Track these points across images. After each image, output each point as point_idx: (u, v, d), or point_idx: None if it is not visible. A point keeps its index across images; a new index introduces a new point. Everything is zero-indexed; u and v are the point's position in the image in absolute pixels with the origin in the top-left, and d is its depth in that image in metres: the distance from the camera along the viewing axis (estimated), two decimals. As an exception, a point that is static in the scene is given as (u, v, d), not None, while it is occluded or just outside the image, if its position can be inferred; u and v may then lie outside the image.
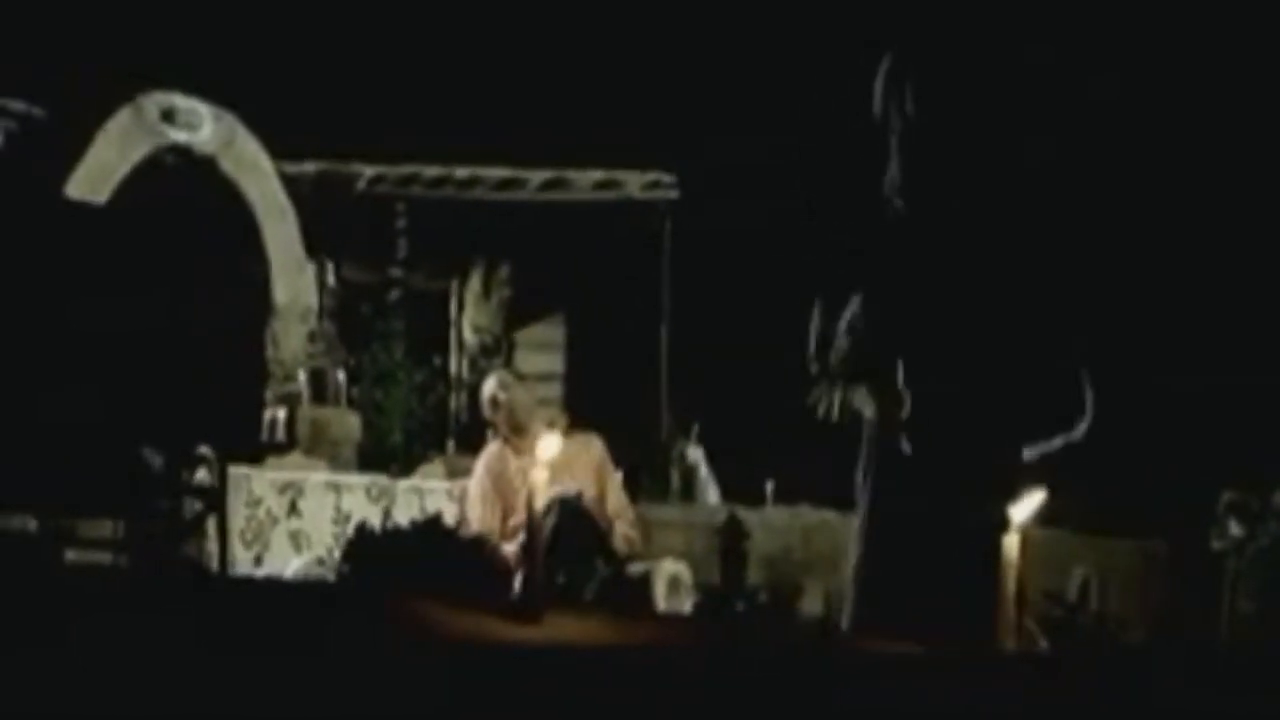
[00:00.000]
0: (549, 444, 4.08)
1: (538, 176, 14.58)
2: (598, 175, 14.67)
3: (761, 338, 14.61)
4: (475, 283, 15.30)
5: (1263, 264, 12.90)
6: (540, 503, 4.00)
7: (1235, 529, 8.21)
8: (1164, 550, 9.84)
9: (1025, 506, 4.72)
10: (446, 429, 14.63)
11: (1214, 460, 9.35)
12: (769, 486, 12.23)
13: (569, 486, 7.71)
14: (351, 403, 12.78)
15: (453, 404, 15.04)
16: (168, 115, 12.70)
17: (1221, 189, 13.38)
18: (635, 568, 7.73)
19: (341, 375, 12.89)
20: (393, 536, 5.92)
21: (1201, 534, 8.56)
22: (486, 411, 8.17)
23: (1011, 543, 4.62)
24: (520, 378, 8.95)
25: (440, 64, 14.32)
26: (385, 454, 12.27)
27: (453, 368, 15.26)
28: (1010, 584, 4.46)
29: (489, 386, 8.25)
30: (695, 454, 13.56)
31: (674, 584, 7.72)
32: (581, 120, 14.18)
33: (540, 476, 3.90)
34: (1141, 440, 12.28)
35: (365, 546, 5.80)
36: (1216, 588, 8.31)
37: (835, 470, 11.77)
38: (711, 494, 13.29)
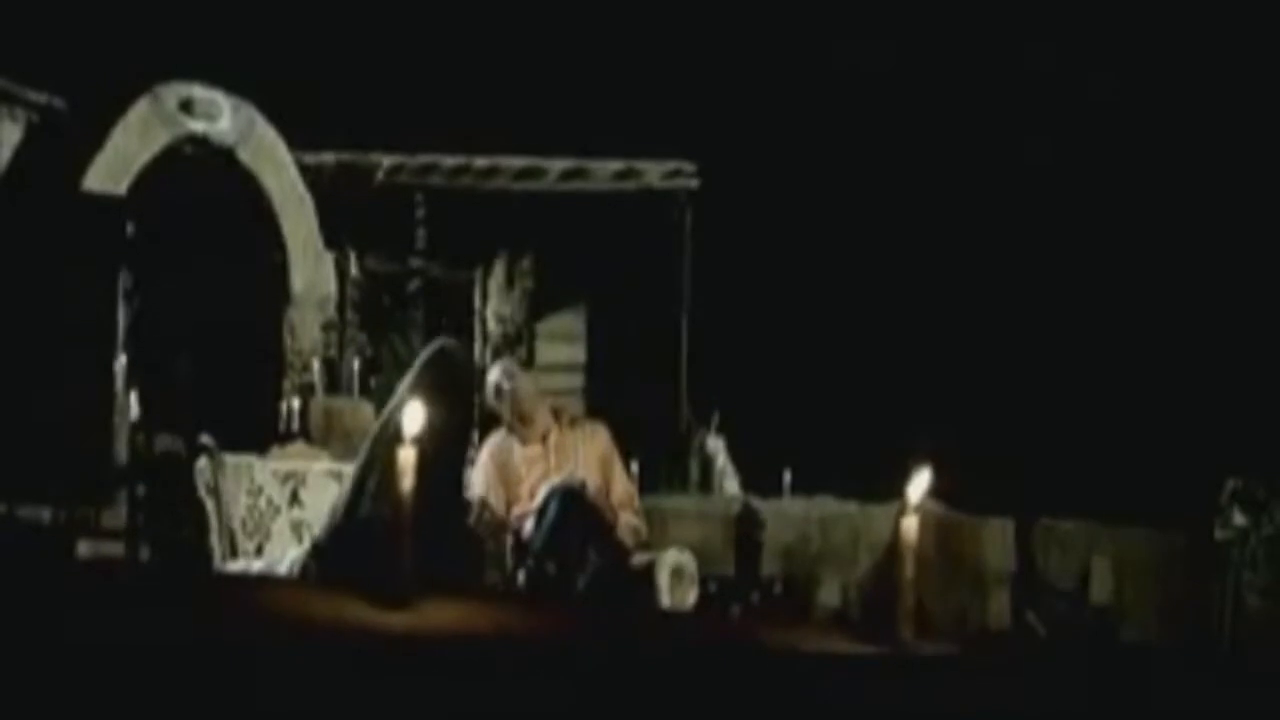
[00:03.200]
0: (414, 415, 4.01)
1: (557, 166, 14.54)
2: (617, 165, 14.62)
3: (781, 327, 14.58)
4: (499, 273, 15.28)
5: (1267, 255, 12.84)
6: (407, 484, 3.93)
7: (1239, 518, 8.09)
8: (1183, 541, 9.75)
9: (917, 486, 4.48)
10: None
11: (1219, 447, 9.26)
12: (786, 477, 12.17)
13: (573, 475, 7.66)
14: (369, 393, 12.76)
15: (476, 394, 15.00)
16: (186, 105, 12.69)
17: (1221, 179, 13.32)
18: (639, 558, 7.67)
19: (356, 365, 12.88)
20: (369, 524, 5.89)
21: (1205, 524, 8.46)
22: (491, 400, 8.13)
23: (910, 525, 4.42)
24: (525, 366, 8.89)
25: (458, 53, 14.29)
26: (402, 444, 12.20)
27: (476, 358, 15.24)
28: (909, 568, 4.29)
29: (493, 375, 8.21)
30: (715, 444, 13.51)
31: (678, 574, 7.64)
32: (601, 109, 14.14)
33: (408, 455, 3.83)
34: (1150, 429, 12.23)
35: (343, 534, 5.78)
36: (1221, 579, 8.20)
37: (855, 461, 11.79)
38: (731, 484, 13.24)
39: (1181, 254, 13.31)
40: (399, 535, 3.86)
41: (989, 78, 13.90)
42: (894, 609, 4.15)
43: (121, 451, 10.85)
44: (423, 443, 6.42)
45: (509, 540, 7.43)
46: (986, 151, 14.00)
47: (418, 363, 6.99)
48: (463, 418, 6.91)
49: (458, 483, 6.83)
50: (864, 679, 3.82)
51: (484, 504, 7.50)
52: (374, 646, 3.20)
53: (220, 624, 3.22)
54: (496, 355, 14.91)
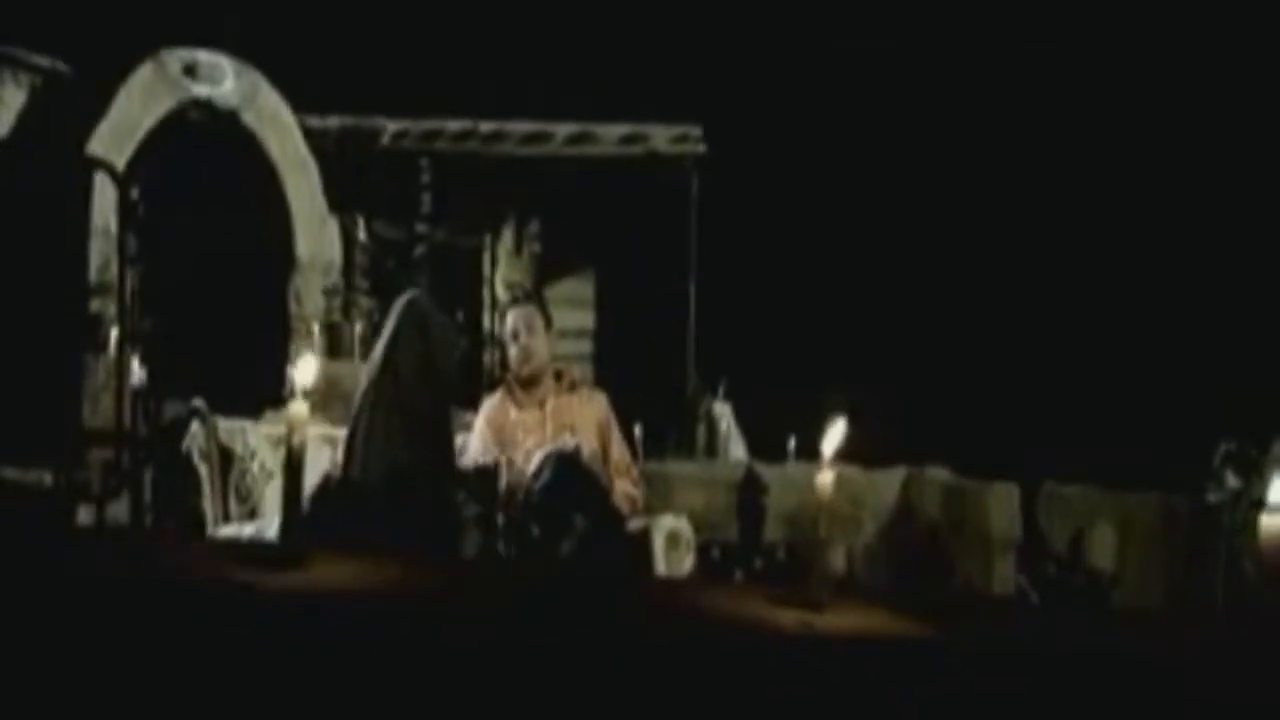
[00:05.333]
0: (306, 368, 3.95)
1: (563, 130, 14.45)
2: (624, 129, 14.53)
3: (788, 292, 14.54)
4: (507, 238, 15.24)
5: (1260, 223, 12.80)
6: (297, 438, 3.88)
7: (1232, 480, 8.03)
8: (1184, 505, 9.70)
9: (831, 439, 4.26)
10: (480, 384, 14.57)
11: (1212, 410, 9.23)
12: (791, 442, 12.11)
13: (568, 441, 7.62)
14: (371, 358, 12.70)
15: (485, 360, 15.00)
16: (190, 70, 12.65)
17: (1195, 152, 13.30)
18: (635, 524, 7.63)
19: (358, 330, 12.84)
20: (354, 488, 5.86)
21: (1198, 487, 8.41)
22: (506, 339, 8.00)
23: (825, 480, 4.20)
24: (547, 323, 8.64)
25: (463, 17, 14.22)
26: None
27: (485, 324, 15.22)
28: (825, 527, 4.13)
29: (513, 318, 8.02)
30: (721, 409, 13.48)
31: (673, 539, 7.61)
32: (607, 73, 14.07)
33: (301, 410, 3.78)
34: (1149, 393, 12.20)
35: (327, 497, 5.74)
36: (1214, 542, 8.16)
37: (861, 426, 11.75)
38: (737, 449, 13.20)
39: (1179, 222, 13.28)
40: (290, 491, 3.82)
41: (995, 47, 13.83)
42: (811, 570, 4.02)
43: (95, 416, 10.82)
44: (407, 397, 6.41)
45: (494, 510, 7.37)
46: (994, 118, 13.93)
47: (391, 317, 6.90)
48: (445, 371, 6.81)
49: (446, 441, 6.74)
50: (763, 646, 3.70)
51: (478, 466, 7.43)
52: (262, 606, 3.15)
53: (104, 583, 3.18)
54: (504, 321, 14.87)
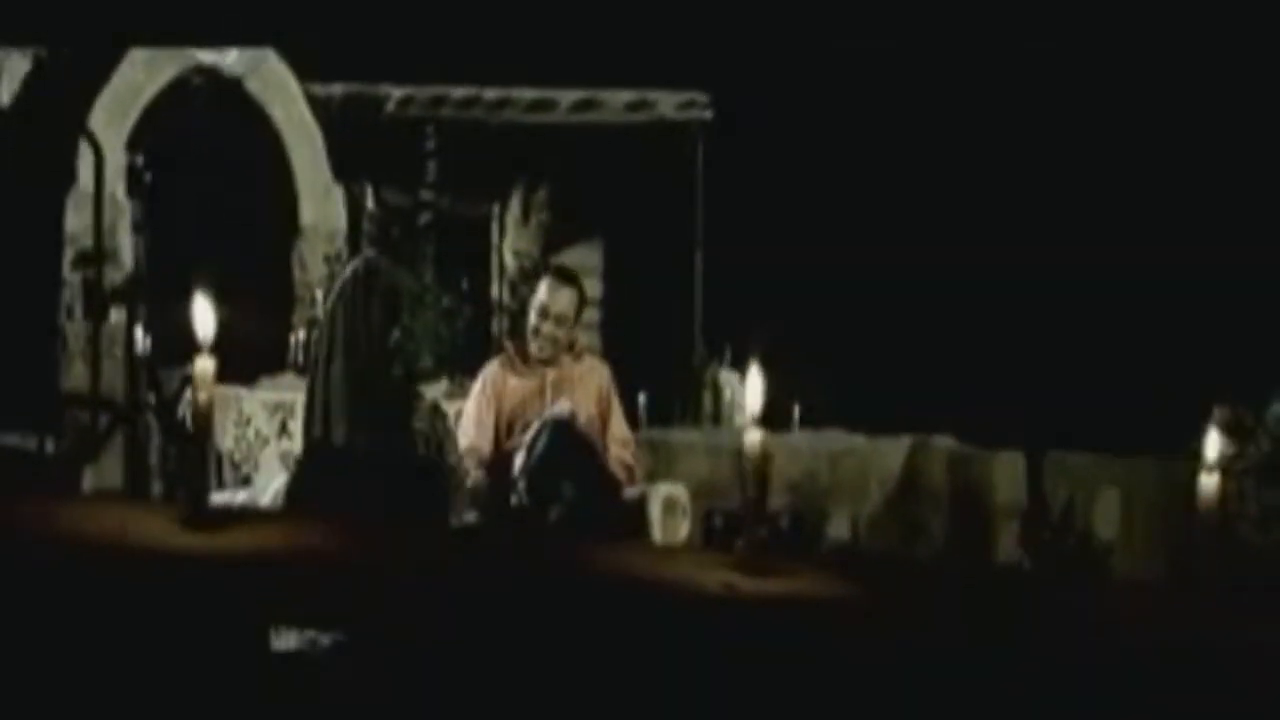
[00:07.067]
0: (204, 318, 3.91)
1: (568, 97, 14.39)
2: (629, 96, 14.47)
3: (794, 259, 14.47)
4: (514, 206, 15.18)
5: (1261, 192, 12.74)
6: (204, 397, 3.84)
7: (1226, 446, 7.95)
8: (1187, 473, 9.63)
9: (753, 392, 4.10)
10: (486, 353, 14.50)
11: (1207, 376, 9.16)
12: (796, 410, 12.09)
13: (564, 407, 7.58)
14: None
15: (494, 329, 14.97)
16: (194, 36, 12.64)
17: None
18: (632, 491, 7.60)
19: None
20: (343, 454, 5.84)
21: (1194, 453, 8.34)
22: (532, 318, 7.91)
23: (754, 439, 4.07)
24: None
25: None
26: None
27: (494, 293, 15.18)
28: (753, 489, 4.02)
29: (545, 295, 7.94)
30: (728, 377, 13.45)
31: (670, 506, 7.58)
32: (612, 39, 13.99)
33: (206, 365, 3.74)
34: (1141, 356, 12.15)
35: (316, 463, 5.72)
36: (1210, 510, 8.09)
37: (867, 395, 11.72)
38: (742, 418, 13.16)
39: (1182, 189, 13.22)
40: (196, 451, 3.79)
41: (1000, 27, 13.73)
42: (749, 536, 3.96)
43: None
44: (353, 358, 6.40)
45: (484, 478, 7.34)
46: (1003, 88, 13.85)
47: (336, 282, 6.88)
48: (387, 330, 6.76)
49: (405, 402, 6.71)
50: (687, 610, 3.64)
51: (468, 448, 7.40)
52: (160, 568, 3.12)
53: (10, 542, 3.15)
54: (513, 291, 14.82)
